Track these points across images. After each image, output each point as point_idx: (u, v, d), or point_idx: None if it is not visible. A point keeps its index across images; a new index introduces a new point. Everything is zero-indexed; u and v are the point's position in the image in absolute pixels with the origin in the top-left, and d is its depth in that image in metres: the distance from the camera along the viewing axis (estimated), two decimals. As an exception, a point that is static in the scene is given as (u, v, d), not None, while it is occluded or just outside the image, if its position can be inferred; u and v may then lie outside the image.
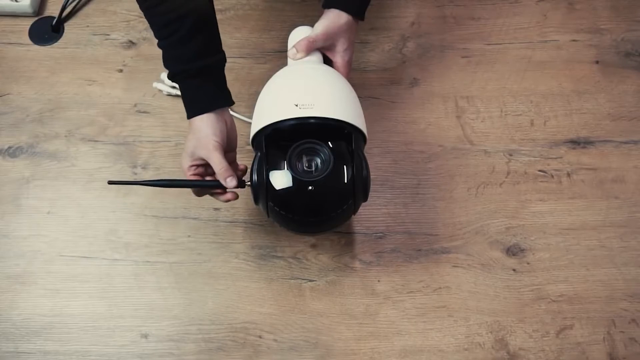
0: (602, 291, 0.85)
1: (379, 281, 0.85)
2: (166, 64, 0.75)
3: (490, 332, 0.83)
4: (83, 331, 0.83)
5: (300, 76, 0.78)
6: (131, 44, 1.01)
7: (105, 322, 0.83)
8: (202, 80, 0.74)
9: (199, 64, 0.73)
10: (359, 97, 0.78)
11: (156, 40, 0.75)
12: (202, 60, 0.74)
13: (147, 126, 0.95)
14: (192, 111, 0.74)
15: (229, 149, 0.77)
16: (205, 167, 0.76)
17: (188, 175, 0.75)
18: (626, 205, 0.90)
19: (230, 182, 0.72)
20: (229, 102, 0.77)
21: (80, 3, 1.05)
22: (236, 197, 0.76)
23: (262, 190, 0.70)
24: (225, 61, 0.77)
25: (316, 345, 0.82)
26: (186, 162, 0.75)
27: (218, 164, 0.72)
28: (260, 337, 0.82)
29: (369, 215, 0.89)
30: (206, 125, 0.73)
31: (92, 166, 0.92)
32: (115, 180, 0.76)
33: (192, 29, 0.72)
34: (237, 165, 0.78)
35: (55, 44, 1.02)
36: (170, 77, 0.75)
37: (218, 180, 0.75)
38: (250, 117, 0.78)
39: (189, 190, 0.89)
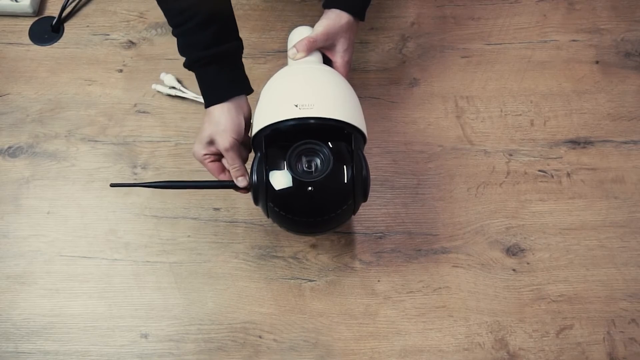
0: (602, 291, 0.85)
1: (378, 281, 0.85)
2: (182, 52, 0.75)
3: (490, 332, 0.83)
4: (83, 331, 0.83)
5: (300, 76, 0.78)
6: (131, 44, 1.01)
7: (105, 322, 0.83)
8: (218, 67, 0.74)
9: (215, 51, 0.73)
10: (359, 97, 0.78)
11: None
12: (218, 46, 0.73)
13: (147, 126, 0.95)
14: (211, 99, 0.74)
15: (245, 138, 0.77)
16: (220, 157, 0.76)
17: (203, 163, 0.75)
18: (626, 205, 0.90)
19: (241, 182, 0.73)
20: (248, 90, 0.77)
21: (80, 3, 1.05)
22: (247, 190, 0.76)
23: (262, 191, 0.70)
24: (242, 48, 0.77)
25: (316, 345, 0.82)
26: (200, 150, 0.75)
27: (232, 162, 0.73)
28: (260, 337, 0.82)
29: (369, 215, 0.89)
30: (226, 118, 0.73)
31: (92, 166, 0.92)
32: (117, 182, 0.76)
33: (208, 16, 0.72)
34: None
35: (55, 44, 1.02)
36: (186, 65, 0.75)
37: (217, 181, 0.75)
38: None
39: (189, 189, 0.89)
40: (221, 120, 0.73)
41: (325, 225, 0.73)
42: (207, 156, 0.75)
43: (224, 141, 0.72)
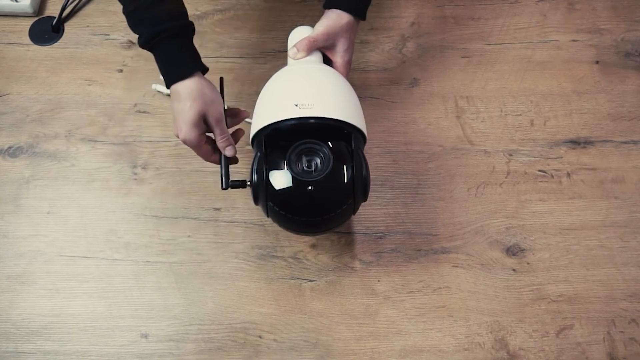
0: (602, 291, 0.85)
1: (378, 281, 0.85)
2: (140, 28, 0.72)
3: (490, 332, 0.82)
4: (83, 331, 0.83)
5: (300, 76, 0.78)
6: (131, 44, 1.01)
7: (105, 322, 0.83)
8: (185, 40, 0.73)
9: (181, 22, 0.72)
10: (359, 97, 0.78)
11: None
12: (182, 19, 0.73)
13: (147, 126, 0.95)
14: (184, 71, 0.71)
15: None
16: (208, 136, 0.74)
17: (199, 147, 0.73)
18: (626, 205, 0.90)
19: (229, 151, 0.74)
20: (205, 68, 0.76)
21: (80, 3, 1.05)
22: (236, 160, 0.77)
23: (262, 190, 0.70)
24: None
25: (316, 345, 0.82)
26: (195, 132, 0.72)
27: (222, 132, 0.72)
28: (260, 337, 0.82)
29: (369, 215, 0.89)
30: (209, 88, 0.72)
31: (92, 166, 0.92)
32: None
33: None
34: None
35: (55, 44, 1.02)
36: (146, 40, 0.72)
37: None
38: (250, 117, 0.78)
39: (189, 189, 0.89)
40: (206, 92, 0.71)
41: (325, 225, 0.73)
42: (203, 137, 0.73)
43: (216, 112, 0.71)
